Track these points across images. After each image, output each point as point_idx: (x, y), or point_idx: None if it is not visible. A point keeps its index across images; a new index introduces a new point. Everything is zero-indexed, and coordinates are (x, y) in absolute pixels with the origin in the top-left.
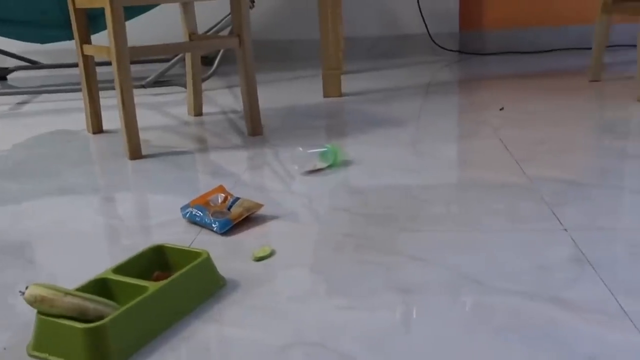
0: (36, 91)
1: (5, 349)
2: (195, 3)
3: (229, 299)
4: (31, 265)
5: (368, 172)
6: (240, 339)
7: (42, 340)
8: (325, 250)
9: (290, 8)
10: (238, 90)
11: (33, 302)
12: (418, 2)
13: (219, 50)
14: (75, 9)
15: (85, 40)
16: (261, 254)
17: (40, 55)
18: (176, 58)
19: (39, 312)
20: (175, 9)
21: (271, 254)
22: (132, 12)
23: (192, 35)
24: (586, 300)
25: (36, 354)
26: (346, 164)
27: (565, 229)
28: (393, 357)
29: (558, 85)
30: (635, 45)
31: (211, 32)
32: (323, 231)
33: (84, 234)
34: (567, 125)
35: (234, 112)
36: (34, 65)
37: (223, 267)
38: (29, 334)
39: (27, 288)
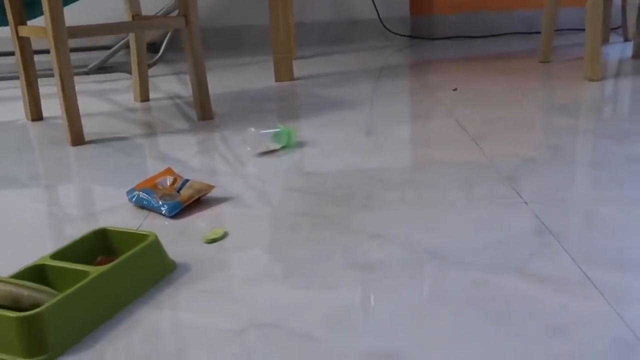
0: None
1: None
2: None
3: (179, 283)
4: None
5: (322, 153)
6: (194, 324)
7: None
8: (280, 231)
9: None
10: (186, 77)
11: None
12: None
13: (165, 36)
14: None
15: (20, 21)
16: (213, 236)
17: None
18: (120, 43)
19: None
20: None
21: (224, 236)
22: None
23: (136, 17)
24: (550, 270)
25: None
26: (300, 145)
27: (526, 202)
28: (353, 336)
29: (509, 66)
30: (581, 29)
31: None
32: (277, 212)
33: (22, 223)
34: (520, 104)
35: (182, 98)
36: None
37: (173, 251)
38: None
39: None
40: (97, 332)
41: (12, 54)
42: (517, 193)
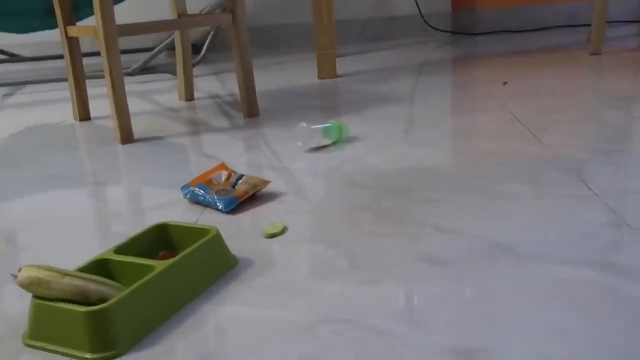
0: (20, 82)
1: None
2: None
3: (242, 278)
4: (22, 251)
5: (375, 147)
6: (261, 319)
7: (39, 327)
8: (340, 225)
9: None
10: (225, 77)
11: (28, 285)
12: None
13: (206, 37)
14: None
15: (69, 21)
16: (273, 231)
17: (19, 48)
18: (163, 44)
19: (35, 297)
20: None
21: (283, 230)
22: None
23: (182, 15)
24: (632, 262)
25: (32, 343)
26: (351, 140)
27: (597, 194)
28: (434, 331)
29: (558, 59)
30: (633, 21)
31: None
32: (336, 206)
33: (77, 218)
34: (575, 95)
35: (226, 96)
36: (13, 58)
37: (232, 246)
38: (24, 323)
39: (20, 270)
40: (162, 328)
41: (56, 57)
42: (586, 185)
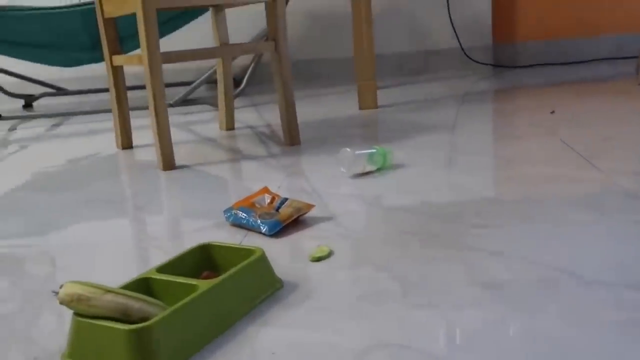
0: (67, 113)
1: (36, 359)
2: (227, 16)
3: (288, 301)
4: (63, 272)
5: (420, 174)
6: (312, 343)
7: (79, 346)
8: (389, 249)
9: (314, 27)
10: (264, 109)
11: (69, 301)
12: (450, 15)
13: (247, 71)
14: (104, 19)
15: (114, 51)
16: (319, 254)
17: (64, 82)
18: (204, 76)
19: (75, 314)
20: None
21: (330, 254)
22: (162, 29)
23: (224, 45)
24: None
25: None
26: (395, 166)
27: None
28: (489, 357)
29: (606, 89)
30: None
31: None
32: (383, 230)
33: (118, 241)
34: (627, 123)
35: (266, 127)
36: (59, 91)
37: (277, 269)
38: (63, 341)
39: (61, 287)
40: (206, 350)
41: (99, 90)
42: None
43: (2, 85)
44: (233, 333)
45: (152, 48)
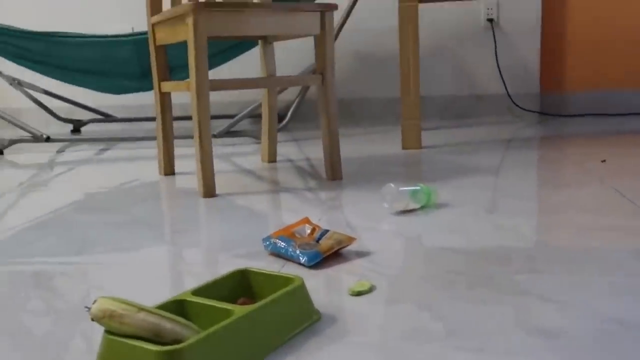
0: (115, 138)
1: None
2: (275, 50)
3: (326, 334)
4: (98, 291)
5: (465, 214)
6: None
7: None
8: (433, 288)
9: (360, 66)
10: (306, 144)
11: (101, 317)
12: (497, 61)
13: (291, 107)
14: (156, 47)
15: (163, 77)
16: (359, 288)
17: (111, 109)
18: (248, 109)
19: (106, 331)
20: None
21: (370, 289)
22: (212, 62)
23: (271, 76)
24: None
25: None
26: (439, 206)
27: None
28: None
29: None
30: None
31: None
32: (426, 269)
33: (155, 263)
34: None
35: (308, 161)
36: (107, 118)
37: (315, 301)
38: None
39: (94, 302)
40: None
41: (146, 119)
42: None
43: (53, 110)
44: None
45: (201, 74)
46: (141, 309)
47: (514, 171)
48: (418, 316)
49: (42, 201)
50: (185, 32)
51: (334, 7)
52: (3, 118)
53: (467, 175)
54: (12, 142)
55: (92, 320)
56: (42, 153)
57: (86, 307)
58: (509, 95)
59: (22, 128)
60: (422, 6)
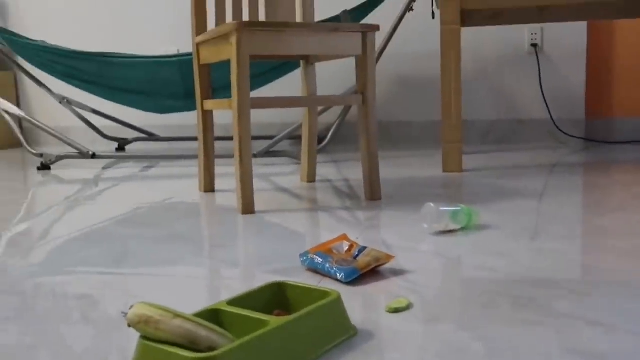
0: (157, 157)
1: None
2: (317, 72)
3: (363, 350)
4: (134, 301)
5: (508, 236)
6: None
7: None
8: (474, 308)
9: (401, 90)
10: (345, 165)
11: (137, 322)
12: (541, 86)
13: (331, 129)
14: (200, 65)
15: (206, 96)
16: (397, 305)
17: (154, 129)
18: (288, 130)
19: (142, 337)
20: (294, 87)
21: (408, 306)
22: (254, 83)
23: (312, 96)
24: None
25: None
26: (481, 227)
27: None
28: None
29: None
30: None
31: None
32: (467, 289)
33: (192, 276)
34: None
35: (347, 181)
36: (151, 137)
37: (353, 317)
38: None
39: (131, 308)
40: None
41: (189, 139)
42: None
43: (99, 129)
44: None
45: (243, 92)
46: (177, 315)
47: (557, 196)
48: (457, 336)
49: (86, 215)
50: (229, 51)
51: (376, 28)
52: (51, 134)
53: (509, 198)
54: (59, 157)
55: (129, 326)
56: (88, 169)
57: (123, 312)
58: (553, 121)
59: (69, 144)
60: (464, 30)
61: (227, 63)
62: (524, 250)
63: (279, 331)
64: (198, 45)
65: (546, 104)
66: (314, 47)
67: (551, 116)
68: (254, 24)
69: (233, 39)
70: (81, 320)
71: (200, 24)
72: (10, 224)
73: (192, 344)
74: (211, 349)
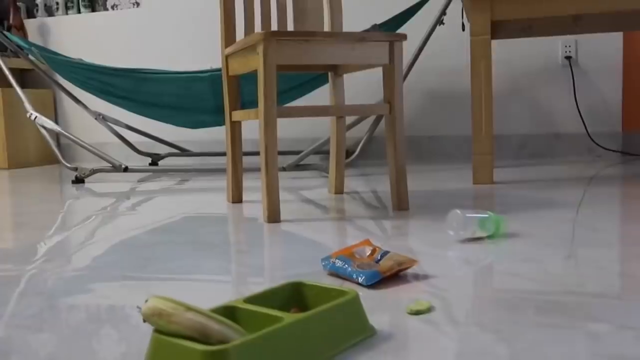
0: (189, 170)
1: None
2: (346, 86)
3: (382, 350)
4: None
5: (538, 244)
6: None
7: None
8: (499, 312)
9: (431, 104)
10: (373, 178)
11: (150, 316)
12: (576, 99)
13: (360, 143)
14: (229, 77)
15: (235, 107)
16: (418, 308)
17: (189, 145)
18: (318, 143)
19: (155, 330)
20: (323, 101)
21: (429, 309)
22: (282, 98)
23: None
24: None
25: None
26: (510, 235)
27: None
28: None
29: None
30: None
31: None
32: (493, 293)
33: (215, 279)
34: None
35: (375, 193)
36: (183, 152)
37: (372, 318)
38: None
39: (146, 302)
40: None
41: (219, 154)
42: None
43: (133, 144)
44: None
45: (269, 102)
46: (189, 308)
47: (592, 206)
48: (480, 338)
49: (116, 224)
50: (256, 61)
51: (403, 37)
52: (85, 148)
53: (541, 208)
54: (93, 171)
55: (144, 321)
56: (121, 183)
57: (138, 306)
58: (588, 134)
59: (102, 158)
60: (496, 44)
61: (257, 77)
62: (555, 257)
63: (293, 327)
64: (227, 57)
65: (581, 117)
66: (340, 57)
67: (587, 130)
68: (280, 34)
69: (260, 49)
70: (97, 319)
71: (229, 36)
72: (45, 232)
73: (204, 337)
74: (223, 342)
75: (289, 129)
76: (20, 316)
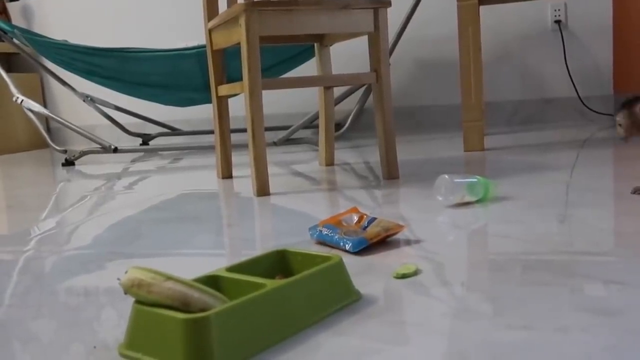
0: (179, 148)
1: (95, 347)
2: (333, 62)
3: (366, 313)
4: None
5: (528, 206)
6: (393, 356)
7: (136, 336)
8: (484, 271)
9: (420, 74)
10: (364, 150)
11: (130, 287)
12: (566, 63)
13: (351, 114)
14: (213, 51)
15: (220, 82)
16: (404, 271)
17: (179, 124)
18: (308, 116)
19: (136, 301)
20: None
21: (416, 272)
22: (267, 74)
23: (325, 75)
24: None
25: (128, 353)
26: (499, 199)
27: None
28: None
29: None
30: None
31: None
32: (479, 254)
33: (203, 252)
34: None
35: (365, 164)
36: (174, 132)
37: (358, 283)
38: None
39: (126, 273)
40: (270, 352)
41: (210, 132)
42: None
43: (123, 125)
44: (302, 339)
45: (253, 74)
46: (169, 278)
47: (586, 168)
48: (465, 297)
49: (108, 205)
50: (239, 34)
51: (388, 3)
52: (74, 130)
53: (532, 171)
54: (83, 153)
55: (125, 293)
56: (111, 164)
57: (118, 278)
58: (580, 98)
59: (91, 139)
60: (484, 8)
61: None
62: (544, 217)
63: (275, 293)
64: (210, 31)
65: (572, 81)
66: (325, 26)
67: (578, 94)
68: (262, 4)
69: (242, 20)
70: (83, 292)
71: (211, 9)
72: (39, 214)
73: (184, 306)
74: (204, 310)
75: (279, 104)
76: (16, 297)
